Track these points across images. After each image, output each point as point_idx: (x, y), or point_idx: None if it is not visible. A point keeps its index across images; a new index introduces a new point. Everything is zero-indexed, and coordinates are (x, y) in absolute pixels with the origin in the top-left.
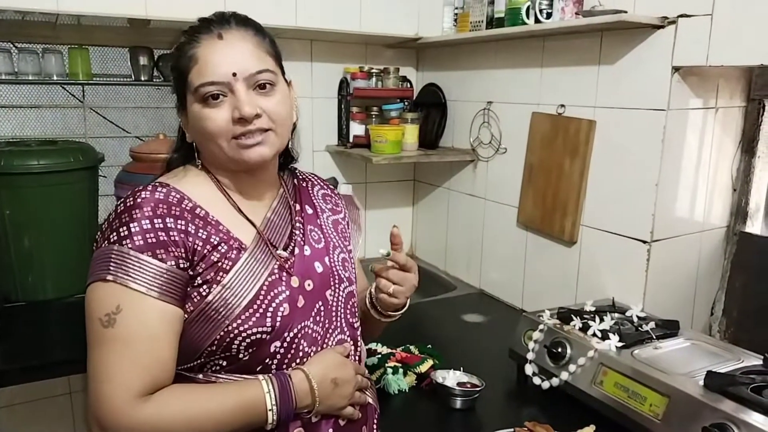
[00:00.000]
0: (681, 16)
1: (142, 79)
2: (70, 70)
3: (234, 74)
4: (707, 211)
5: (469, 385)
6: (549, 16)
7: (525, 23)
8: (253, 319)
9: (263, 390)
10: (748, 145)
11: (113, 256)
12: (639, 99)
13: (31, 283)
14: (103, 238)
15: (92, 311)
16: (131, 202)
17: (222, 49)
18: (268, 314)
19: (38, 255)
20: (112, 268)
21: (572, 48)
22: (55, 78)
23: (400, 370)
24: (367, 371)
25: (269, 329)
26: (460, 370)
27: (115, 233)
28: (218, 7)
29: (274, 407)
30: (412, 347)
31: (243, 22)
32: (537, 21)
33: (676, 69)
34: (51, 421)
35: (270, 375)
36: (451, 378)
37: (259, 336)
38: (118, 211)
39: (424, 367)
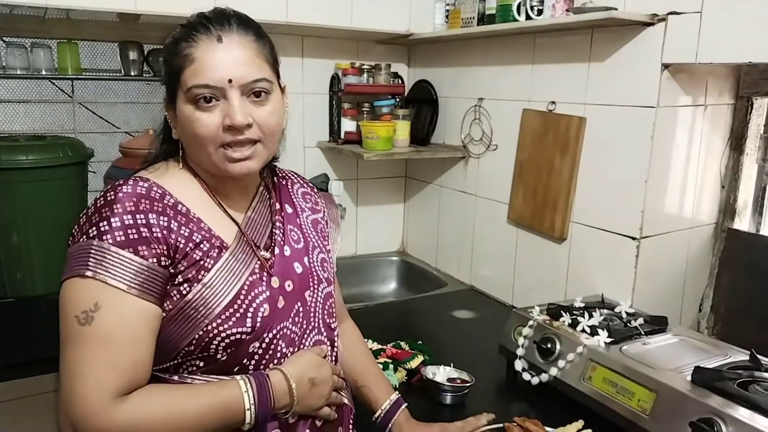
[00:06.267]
0: (671, 13)
1: (132, 74)
2: (59, 64)
3: (230, 81)
4: (696, 208)
5: (459, 381)
6: (540, 13)
7: (516, 20)
8: (233, 319)
9: (241, 390)
10: (737, 143)
11: (93, 251)
12: (629, 96)
13: (20, 279)
14: (81, 233)
15: (68, 308)
16: (112, 197)
17: (220, 52)
18: (249, 314)
19: (27, 251)
20: (91, 263)
21: (563, 45)
22: (43, 72)
23: (391, 366)
24: (342, 371)
25: (249, 329)
26: (450, 366)
27: (94, 228)
28: (209, 2)
29: (252, 407)
30: (402, 343)
31: (244, 23)
32: (528, 18)
33: (665, 66)
34: (39, 418)
35: (248, 375)
36: (441, 374)
37: (238, 336)
38: (98, 205)
39: (414, 363)
